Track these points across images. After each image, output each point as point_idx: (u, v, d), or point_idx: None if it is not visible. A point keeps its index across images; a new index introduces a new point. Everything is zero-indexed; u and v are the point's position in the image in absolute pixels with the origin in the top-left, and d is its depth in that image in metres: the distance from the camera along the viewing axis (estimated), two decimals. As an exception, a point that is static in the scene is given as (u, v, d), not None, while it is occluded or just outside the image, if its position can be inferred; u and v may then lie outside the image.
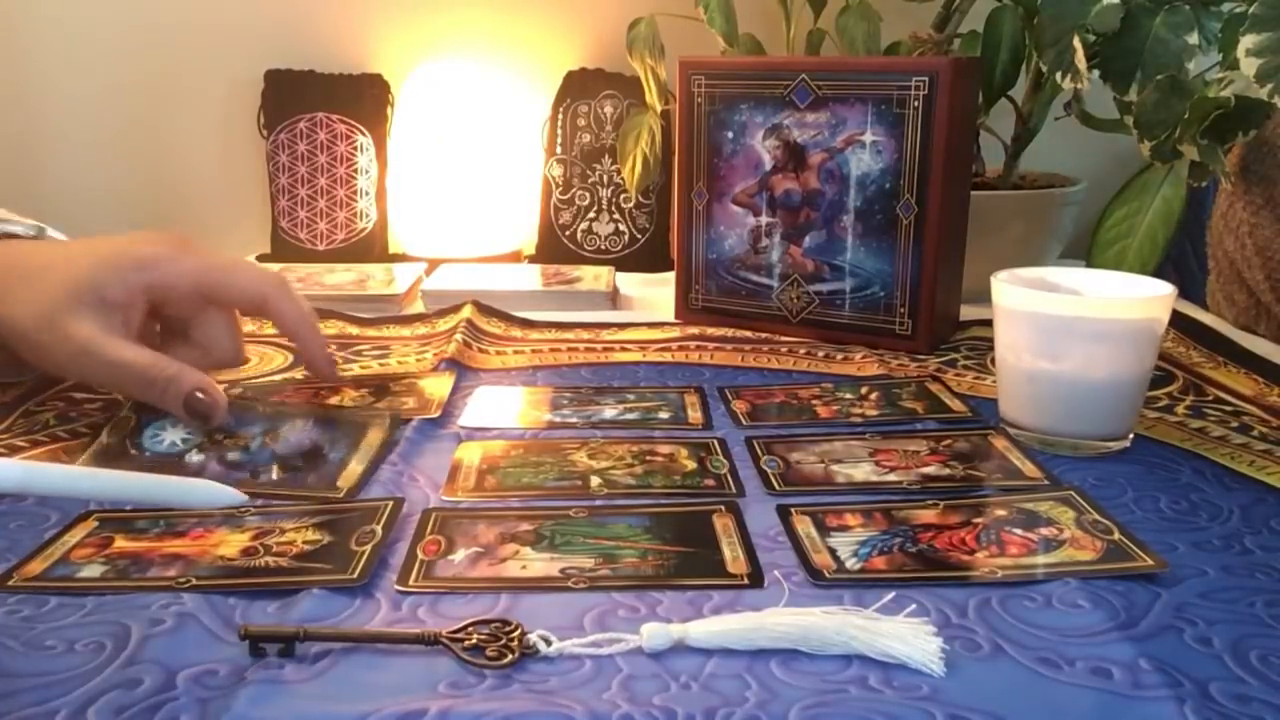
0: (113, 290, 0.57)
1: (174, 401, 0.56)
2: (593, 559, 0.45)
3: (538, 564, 0.44)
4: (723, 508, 0.49)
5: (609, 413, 0.63)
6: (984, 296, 0.62)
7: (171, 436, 0.57)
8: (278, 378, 0.71)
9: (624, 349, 0.78)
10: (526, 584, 0.43)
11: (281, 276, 0.62)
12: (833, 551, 0.45)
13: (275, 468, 0.54)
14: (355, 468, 0.55)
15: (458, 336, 0.77)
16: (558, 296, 0.93)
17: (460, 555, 0.45)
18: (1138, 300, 0.57)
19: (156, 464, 0.55)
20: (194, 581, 0.43)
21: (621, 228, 1.10)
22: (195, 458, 0.55)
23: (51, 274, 0.57)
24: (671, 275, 0.88)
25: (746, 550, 0.45)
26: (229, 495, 0.49)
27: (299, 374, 0.72)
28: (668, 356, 0.76)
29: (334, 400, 0.65)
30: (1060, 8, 0.78)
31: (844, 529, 0.48)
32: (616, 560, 0.45)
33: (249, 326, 0.83)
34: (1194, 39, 0.75)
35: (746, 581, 0.43)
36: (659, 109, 1.01)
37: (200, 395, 0.56)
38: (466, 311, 0.84)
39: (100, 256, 0.58)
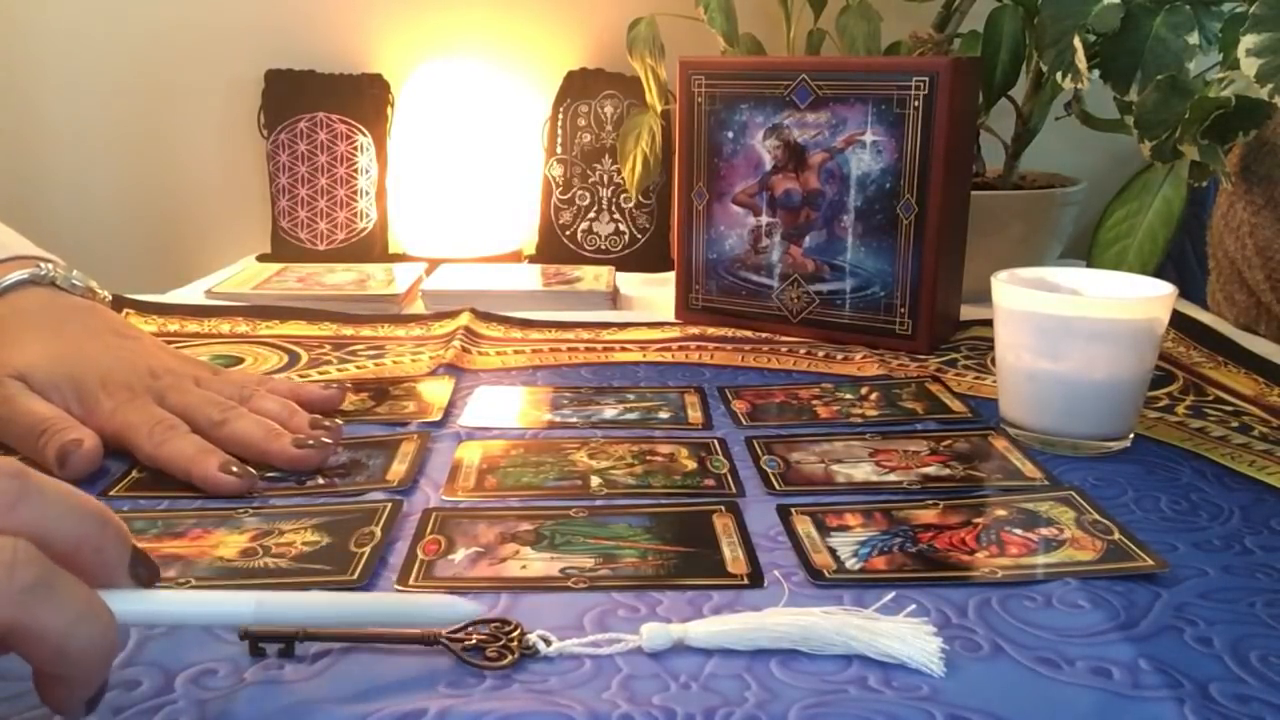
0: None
1: (49, 450, 0.52)
2: (593, 559, 0.45)
3: (538, 564, 0.44)
4: (723, 508, 0.49)
5: (609, 412, 0.63)
6: (984, 296, 0.62)
7: None
8: (276, 378, 0.71)
9: (624, 349, 0.78)
10: (526, 584, 0.43)
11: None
12: (833, 551, 0.45)
13: (319, 474, 0.54)
14: (399, 467, 0.55)
15: (455, 343, 0.77)
16: (558, 296, 0.93)
17: (460, 555, 0.45)
18: (1138, 300, 0.57)
19: (193, 484, 0.52)
20: (193, 582, 0.43)
21: (622, 228, 1.10)
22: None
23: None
24: (671, 275, 0.88)
25: (746, 550, 0.45)
26: (465, 609, 0.38)
27: (295, 375, 0.72)
28: (668, 356, 0.76)
29: (334, 400, 0.65)
30: (1060, 8, 0.78)
31: (844, 529, 0.47)
32: (616, 560, 0.45)
33: (243, 326, 0.84)
34: (1194, 39, 0.75)
35: (747, 581, 0.43)
36: (659, 109, 1.01)
37: (73, 446, 0.52)
38: (464, 318, 0.84)
39: None
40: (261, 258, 1.11)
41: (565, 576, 0.43)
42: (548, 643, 0.38)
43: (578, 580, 0.43)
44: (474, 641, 0.38)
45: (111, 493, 0.52)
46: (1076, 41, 0.76)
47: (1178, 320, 0.81)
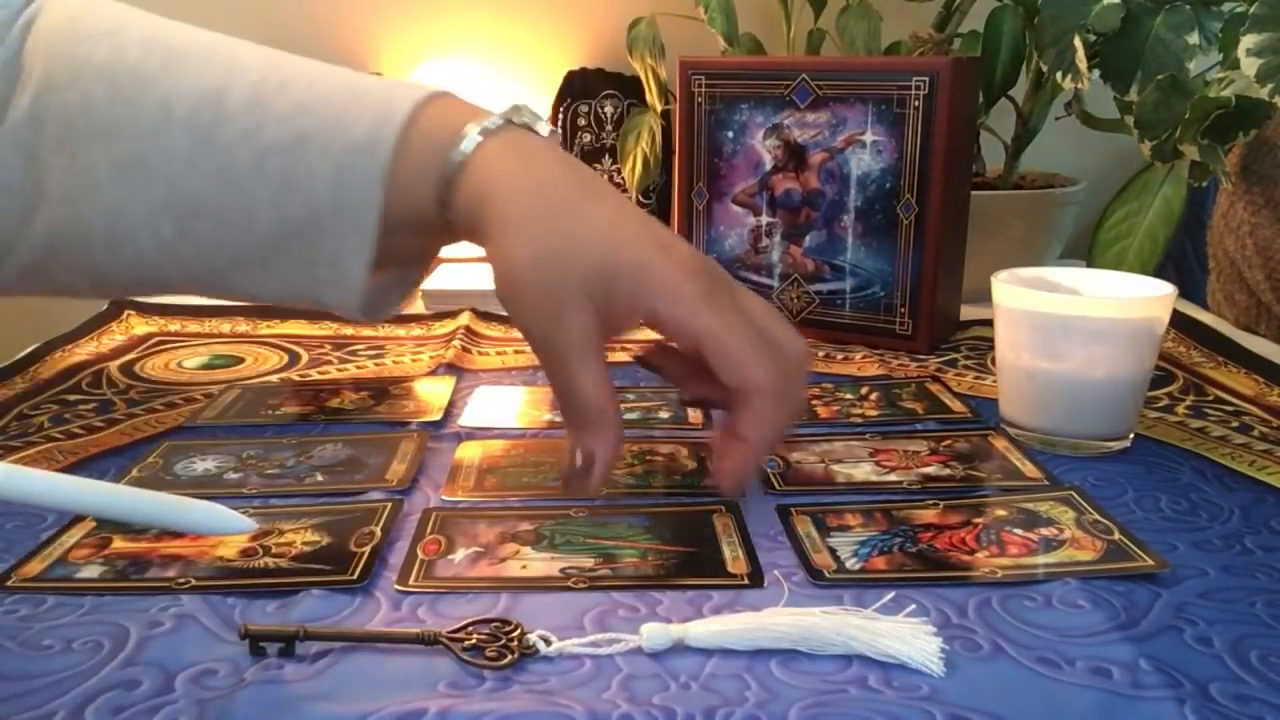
0: (620, 302, 0.46)
1: (580, 453, 0.47)
2: (593, 559, 0.45)
3: (538, 564, 0.44)
4: (723, 508, 0.49)
5: (609, 413, 0.63)
6: (984, 296, 0.62)
7: (204, 465, 0.55)
8: (274, 378, 0.71)
9: (624, 348, 0.77)
10: (526, 584, 0.43)
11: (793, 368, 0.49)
12: (833, 551, 0.45)
13: (319, 474, 0.54)
14: (398, 467, 0.55)
15: (455, 342, 0.77)
16: (557, 296, 0.92)
17: (460, 555, 0.45)
18: (1138, 300, 0.57)
19: (193, 485, 0.53)
20: (193, 582, 0.43)
21: (621, 228, 1.10)
22: (234, 475, 0.54)
23: (581, 224, 0.47)
24: (671, 275, 0.87)
25: (746, 550, 0.45)
26: (235, 521, 0.41)
27: (295, 375, 0.72)
28: (668, 356, 0.76)
29: (334, 403, 0.65)
30: (1060, 7, 0.78)
31: (844, 529, 0.47)
32: (617, 560, 0.44)
33: (243, 326, 0.84)
34: (1194, 39, 0.76)
35: (747, 581, 0.43)
36: (659, 109, 1.00)
37: (594, 466, 0.47)
38: (464, 318, 0.84)
39: (634, 236, 0.47)
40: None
41: (565, 576, 0.43)
42: (548, 643, 0.38)
43: (578, 580, 0.43)
44: (474, 641, 0.38)
45: (111, 493, 0.52)
46: (1076, 41, 0.76)
47: (1178, 320, 0.81)
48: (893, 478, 0.54)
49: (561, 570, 0.44)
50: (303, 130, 0.50)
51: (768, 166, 0.80)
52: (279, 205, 0.50)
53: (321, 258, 0.51)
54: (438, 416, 0.62)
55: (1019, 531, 0.47)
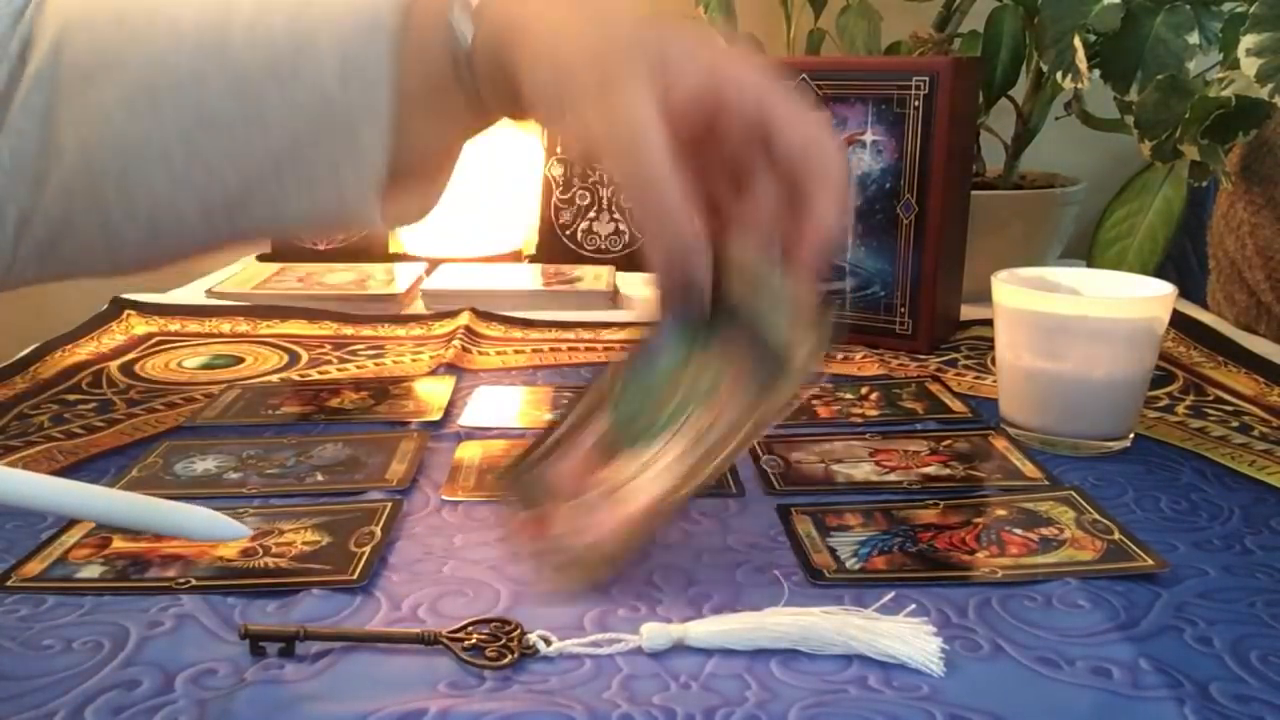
0: (678, 64, 0.42)
1: (674, 269, 0.42)
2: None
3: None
4: None
5: (609, 413, 0.63)
6: (984, 296, 0.62)
7: (204, 465, 0.55)
8: (274, 378, 0.71)
9: (624, 349, 0.77)
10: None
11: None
12: (833, 551, 0.45)
13: (318, 473, 0.54)
14: (398, 467, 0.55)
15: (455, 342, 0.77)
16: (558, 296, 0.93)
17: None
18: (1138, 300, 0.57)
19: (193, 485, 0.53)
20: (193, 582, 0.43)
21: (622, 227, 1.10)
22: (234, 475, 0.54)
23: (615, 17, 0.44)
24: (671, 275, 0.87)
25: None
26: (230, 527, 0.42)
27: (295, 375, 0.72)
28: (668, 356, 0.76)
29: (334, 403, 0.65)
30: (1060, 7, 0.78)
31: (844, 529, 0.47)
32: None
33: (243, 326, 0.84)
34: (1194, 39, 0.76)
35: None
36: (659, 109, 1.00)
37: (700, 285, 0.42)
38: (464, 318, 0.84)
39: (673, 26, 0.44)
40: (262, 257, 1.11)
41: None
42: (548, 642, 0.38)
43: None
44: (474, 641, 0.38)
45: (111, 492, 0.52)
46: (1076, 41, 0.76)
47: (1178, 320, 0.81)
48: (893, 478, 0.54)
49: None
50: (308, 28, 0.49)
51: (768, 166, 0.79)
52: (291, 104, 0.49)
53: (339, 153, 0.50)
54: (438, 416, 0.62)
55: (1019, 531, 0.47)
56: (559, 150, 1.10)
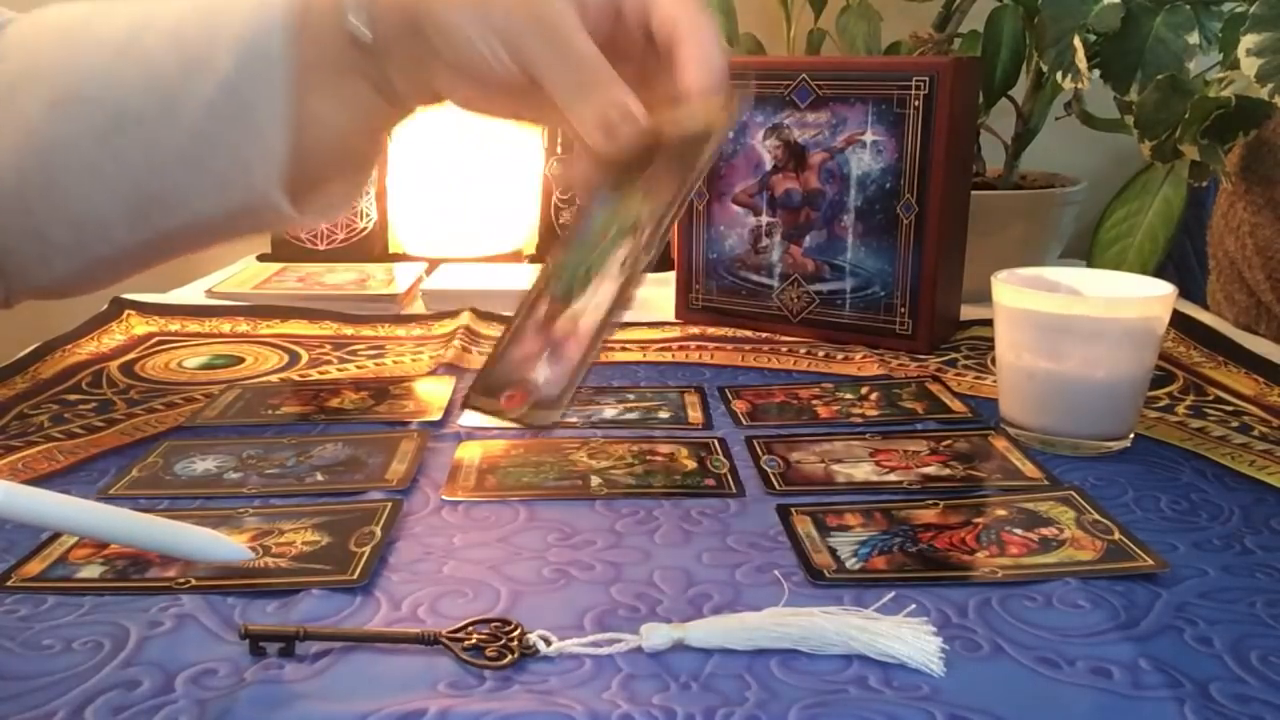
0: None
1: (607, 122, 0.46)
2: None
3: None
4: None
5: (609, 412, 0.63)
6: (984, 296, 0.62)
7: (204, 465, 0.55)
8: (274, 378, 0.71)
9: (624, 349, 0.77)
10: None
11: None
12: (833, 551, 0.45)
13: (319, 473, 0.54)
14: (398, 467, 0.55)
15: (455, 342, 0.77)
16: (558, 296, 0.93)
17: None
18: (1138, 300, 0.57)
19: (193, 485, 0.53)
20: (193, 582, 0.43)
21: (621, 228, 1.10)
22: (234, 475, 0.54)
23: None
24: (671, 275, 0.88)
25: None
26: (232, 549, 0.43)
27: (295, 375, 0.72)
28: (668, 356, 0.76)
29: (334, 403, 0.65)
30: (1060, 7, 0.78)
31: (844, 529, 0.47)
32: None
33: (243, 326, 0.84)
34: (1194, 39, 0.76)
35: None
36: (659, 109, 1.00)
37: (619, 112, 0.46)
38: (464, 318, 0.84)
39: None
40: (262, 257, 1.11)
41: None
42: (548, 642, 0.38)
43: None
44: (474, 641, 0.38)
45: (111, 491, 0.52)
46: (1076, 41, 0.76)
47: (1178, 320, 0.81)
48: (893, 478, 0.54)
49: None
50: (219, 23, 0.52)
51: (768, 166, 0.80)
52: (198, 95, 0.51)
53: (242, 137, 0.51)
54: (438, 416, 0.63)
55: (1019, 531, 0.47)
56: (559, 150, 1.10)
